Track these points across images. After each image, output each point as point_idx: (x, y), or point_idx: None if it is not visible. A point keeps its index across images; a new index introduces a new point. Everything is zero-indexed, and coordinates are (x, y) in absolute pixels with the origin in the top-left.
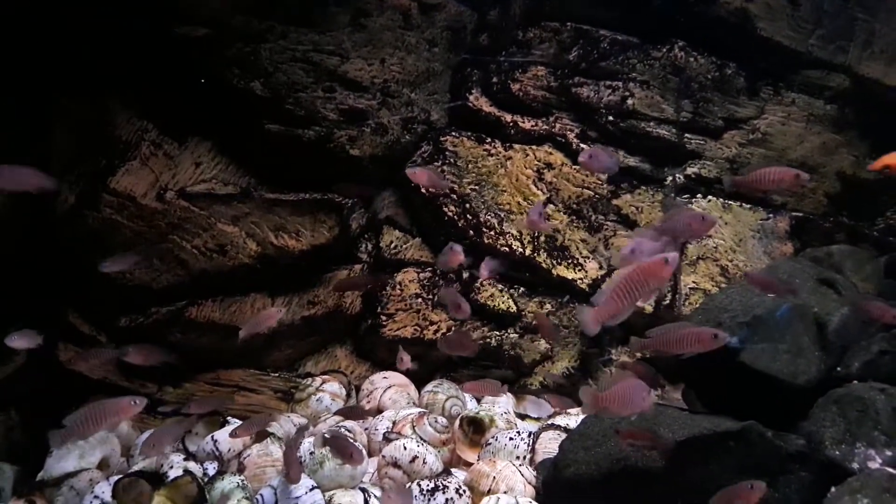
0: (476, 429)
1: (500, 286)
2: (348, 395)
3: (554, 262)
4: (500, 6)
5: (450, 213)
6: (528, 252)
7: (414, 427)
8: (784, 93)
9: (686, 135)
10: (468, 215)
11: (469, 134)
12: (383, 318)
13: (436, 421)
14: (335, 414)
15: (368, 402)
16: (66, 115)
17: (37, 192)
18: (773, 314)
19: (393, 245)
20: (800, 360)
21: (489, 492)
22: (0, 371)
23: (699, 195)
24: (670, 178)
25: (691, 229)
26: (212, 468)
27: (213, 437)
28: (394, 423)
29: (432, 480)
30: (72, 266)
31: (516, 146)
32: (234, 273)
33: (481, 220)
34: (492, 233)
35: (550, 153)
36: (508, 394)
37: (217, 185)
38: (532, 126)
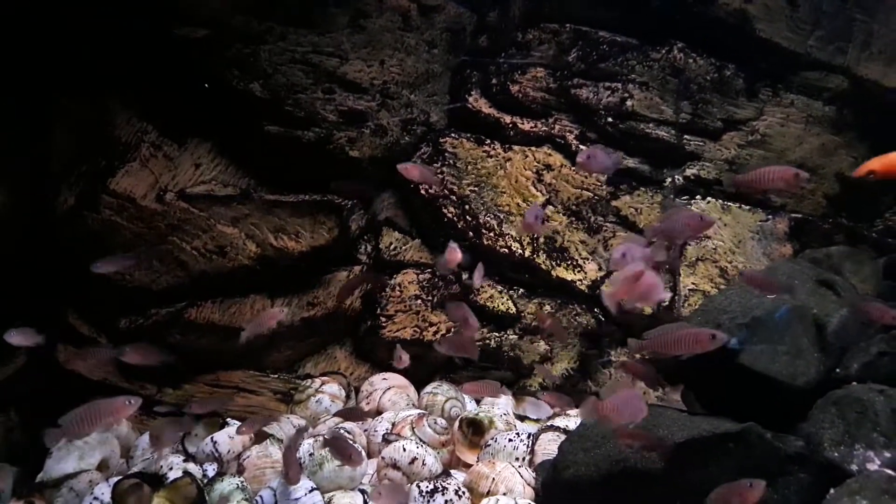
0: (475, 430)
1: (499, 287)
2: (348, 397)
3: (553, 263)
4: (500, 8)
5: (449, 215)
6: (527, 253)
7: (413, 428)
8: (783, 94)
9: (685, 136)
10: (468, 216)
11: (468, 135)
12: (383, 319)
13: (435, 422)
14: (334, 415)
15: (368, 403)
16: (66, 115)
17: None
18: (772, 316)
19: (392, 246)
20: (799, 362)
21: (488, 493)
22: (0, 372)
23: (698, 196)
24: (669, 179)
25: (689, 229)
26: (211, 470)
27: (212, 438)
28: (393, 424)
29: (431, 482)
30: (71, 267)
31: (515, 147)
32: (233, 274)
33: (481, 221)
34: (491, 234)
35: (550, 154)
36: (508, 395)
37: (217, 186)
38: (531, 127)
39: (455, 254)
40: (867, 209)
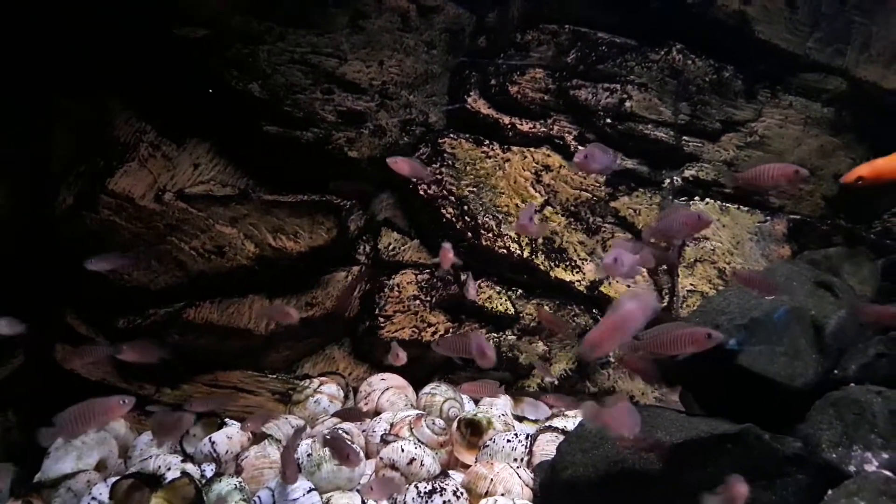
0: (474, 431)
1: (497, 288)
2: (346, 397)
3: (552, 263)
4: (499, 8)
5: (448, 215)
6: (526, 254)
7: (412, 429)
8: (781, 95)
9: (684, 137)
10: (466, 217)
11: (467, 136)
12: (381, 319)
13: (433, 423)
14: (333, 416)
15: (366, 403)
16: (66, 115)
17: None
18: (770, 317)
19: (391, 247)
20: (797, 363)
21: (486, 494)
22: None
23: (697, 197)
24: (668, 180)
25: (687, 228)
26: (209, 470)
27: (210, 438)
28: (391, 425)
29: (430, 482)
30: (70, 267)
31: (514, 148)
32: (232, 274)
33: (479, 221)
34: (490, 234)
35: (548, 155)
36: (506, 395)
37: (215, 186)
38: (530, 128)
39: (447, 254)
40: (866, 211)
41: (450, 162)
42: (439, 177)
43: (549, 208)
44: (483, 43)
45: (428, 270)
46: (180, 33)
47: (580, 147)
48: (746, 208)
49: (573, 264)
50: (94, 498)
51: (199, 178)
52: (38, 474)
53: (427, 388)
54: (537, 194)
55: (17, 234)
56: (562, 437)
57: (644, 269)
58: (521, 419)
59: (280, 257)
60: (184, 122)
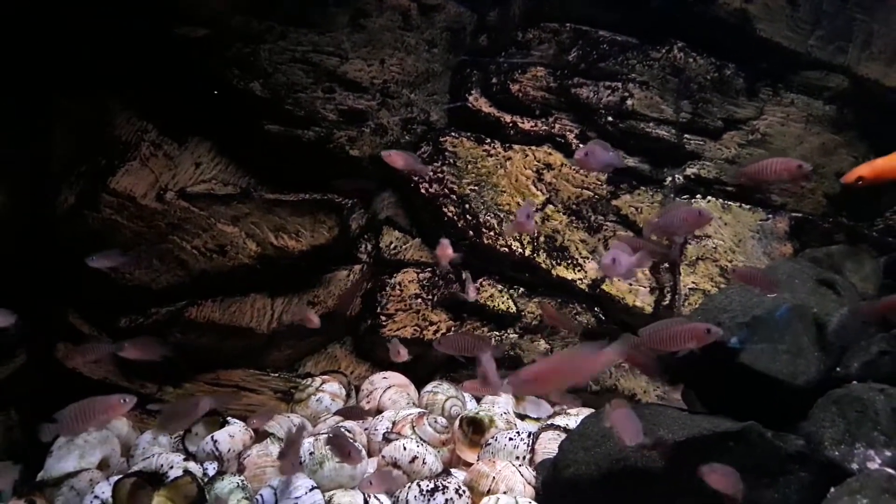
0: (476, 429)
1: (499, 286)
2: (348, 396)
3: (553, 262)
4: (500, 7)
5: (449, 214)
6: (527, 252)
7: (414, 427)
8: (783, 93)
9: (685, 135)
10: (468, 216)
11: (468, 134)
12: (383, 318)
13: (435, 421)
14: (335, 414)
15: (368, 402)
16: (66, 115)
17: None
18: (772, 314)
19: (392, 245)
20: (799, 361)
21: (489, 492)
22: (0, 371)
23: (698, 196)
24: (670, 178)
25: (687, 224)
26: (212, 468)
27: (212, 437)
28: (393, 423)
29: (432, 481)
30: (72, 266)
31: (516, 147)
32: (233, 273)
33: (481, 220)
34: (491, 233)
35: (550, 154)
36: (508, 394)
37: (217, 185)
38: (531, 127)
39: (445, 250)
40: (867, 208)
41: (451, 160)
42: (440, 175)
43: (551, 206)
44: (484, 41)
45: (429, 269)
46: (181, 33)
47: (581, 145)
48: (748, 206)
49: (575, 263)
50: (96, 496)
51: (200, 177)
52: (40, 473)
53: (429, 387)
54: (539, 193)
55: (17, 233)
56: (564, 436)
57: (644, 269)
58: (523, 417)
59: (282, 256)
60: (185, 122)
